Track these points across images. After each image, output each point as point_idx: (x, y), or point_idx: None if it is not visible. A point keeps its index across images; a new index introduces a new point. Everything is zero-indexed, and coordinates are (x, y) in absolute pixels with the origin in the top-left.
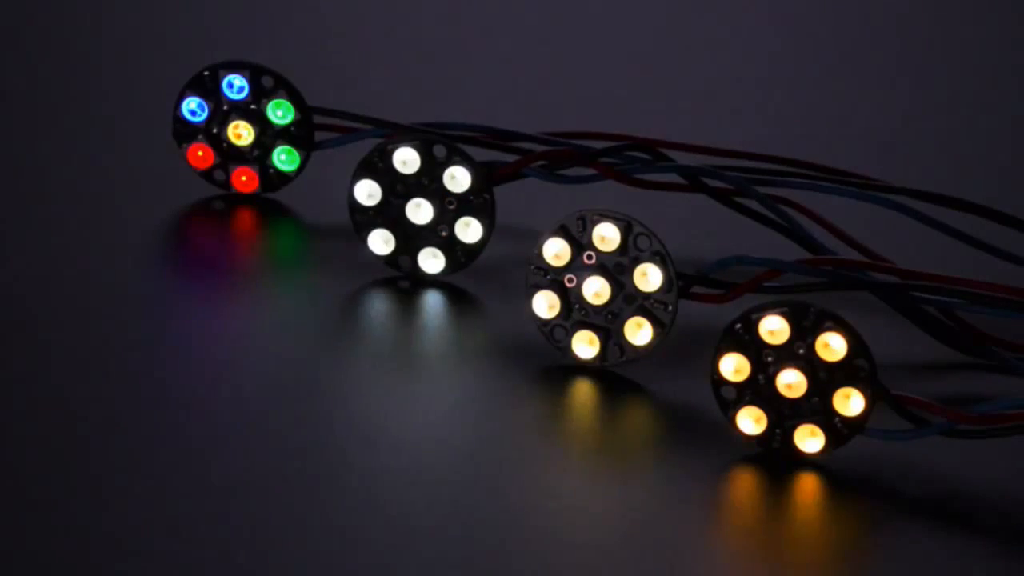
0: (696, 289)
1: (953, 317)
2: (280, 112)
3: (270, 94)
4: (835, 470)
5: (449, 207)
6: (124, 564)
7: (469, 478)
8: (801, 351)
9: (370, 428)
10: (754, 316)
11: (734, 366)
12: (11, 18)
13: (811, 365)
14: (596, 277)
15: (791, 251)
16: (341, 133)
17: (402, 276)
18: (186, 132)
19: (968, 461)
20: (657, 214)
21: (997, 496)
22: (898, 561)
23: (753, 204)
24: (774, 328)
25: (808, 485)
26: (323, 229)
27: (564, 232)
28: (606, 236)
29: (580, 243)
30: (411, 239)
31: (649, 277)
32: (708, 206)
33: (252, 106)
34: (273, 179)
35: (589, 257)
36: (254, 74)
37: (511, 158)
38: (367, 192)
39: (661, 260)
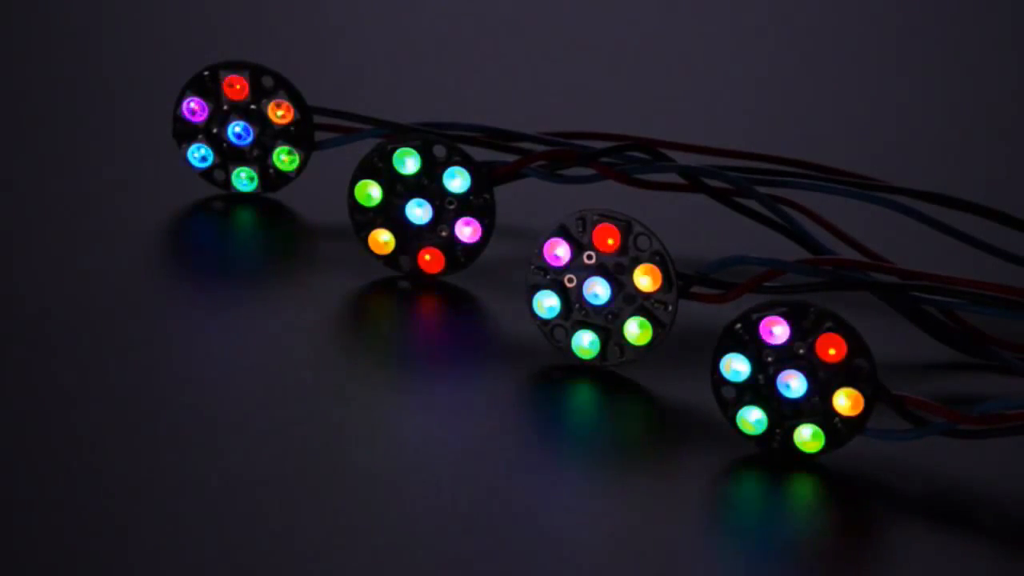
0: (696, 289)
1: (953, 317)
2: (280, 112)
3: (270, 94)
4: (835, 470)
5: (449, 207)
6: (124, 563)
7: (469, 478)
8: (801, 351)
9: (370, 428)
10: (754, 316)
11: (734, 366)
12: (11, 18)
13: (811, 365)
14: (596, 277)
15: (791, 251)
16: (341, 133)
17: (402, 276)
18: (186, 132)
19: (968, 461)
20: (657, 214)
21: (997, 496)
22: (898, 561)
23: (753, 204)
24: (774, 328)
25: (808, 485)
26: (323, 229)
27: (564, 232)
28: (606, 236)
29: (580, 243)
30: (411, 239)
31: (649, 277)
32: (708, 206)
33: (252, 106)
34: (273, 179)
35: (589, 257)
36: (254, 74)
37: (511, 158)
38: (367, 192)
39: (661, 260)
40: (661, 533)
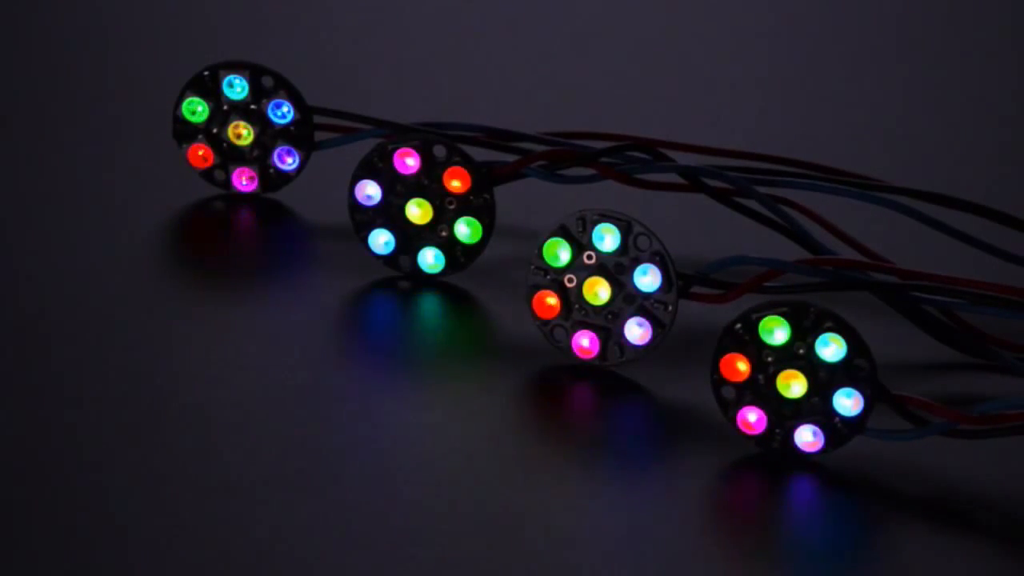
0: (696, 289)
1: (953, 317)
2: (280, 112)
3: (270, 94)
4: (835, 470)
5: (449, 207)
6: (124, 563)
7: (469, 478)
8: (801, 351)
9: (370, 428)
10: (754, 316)
11: (734, 366)
12: (11, 18)
13: (811, 365)
14: (596, 277)
15: (791, 251)
16: (341, 133)
17: (402, 276)
18: (186, 132)
19: (968, 461)
20: (657, 214)
21: (997, 496)
22: (898, 561)
23: (753, 204)
24: (774, 328)
25: (808, 485)
26: (323, 229)
27: (564, 232)
28: (606, 236)
29: (580, 243)
30: (411, 239)
31: (649, 277)
32: (708, 206)
33: (252, 106)
34: (273, 179)
35: (589, 257)
36: (254, 74)
37: (511, 158)
38: (367, 192)
39: (661, 260)
40: (661, 533)
